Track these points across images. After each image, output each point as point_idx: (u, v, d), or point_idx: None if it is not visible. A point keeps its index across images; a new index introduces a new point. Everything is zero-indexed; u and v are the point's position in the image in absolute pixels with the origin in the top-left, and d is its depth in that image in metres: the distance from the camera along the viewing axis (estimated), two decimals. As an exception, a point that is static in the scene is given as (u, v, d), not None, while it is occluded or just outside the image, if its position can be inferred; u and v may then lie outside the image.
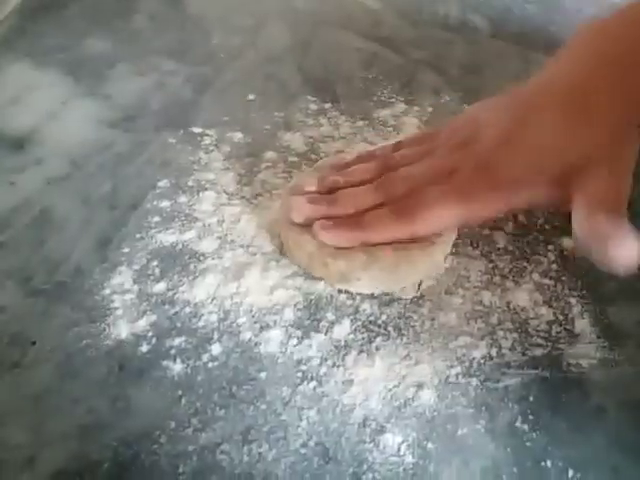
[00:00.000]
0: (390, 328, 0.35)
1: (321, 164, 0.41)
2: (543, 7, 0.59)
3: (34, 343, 0.33)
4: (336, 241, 0.36)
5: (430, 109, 0.48)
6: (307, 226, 0.36)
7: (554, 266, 0.38)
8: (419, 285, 0.37)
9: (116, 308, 0.35)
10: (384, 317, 0.35)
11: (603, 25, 0.35)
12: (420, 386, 0.32)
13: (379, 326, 0.35)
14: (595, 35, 0.35)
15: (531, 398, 0.32)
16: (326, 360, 0.33)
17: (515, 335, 0.34)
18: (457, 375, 0.33)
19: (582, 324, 0.35)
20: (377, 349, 0.34)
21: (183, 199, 0.41)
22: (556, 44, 0.55)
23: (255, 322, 0.35)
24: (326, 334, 0.34)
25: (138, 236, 0.39)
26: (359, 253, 0.35)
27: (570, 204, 0.33)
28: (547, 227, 0.40)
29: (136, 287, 0.36)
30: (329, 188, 0.38)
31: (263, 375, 0.33)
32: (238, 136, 0.46)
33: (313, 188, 0.38)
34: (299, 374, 0.33)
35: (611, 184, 0.32)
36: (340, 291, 0.36)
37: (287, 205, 0.37)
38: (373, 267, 0.35)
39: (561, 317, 0.35)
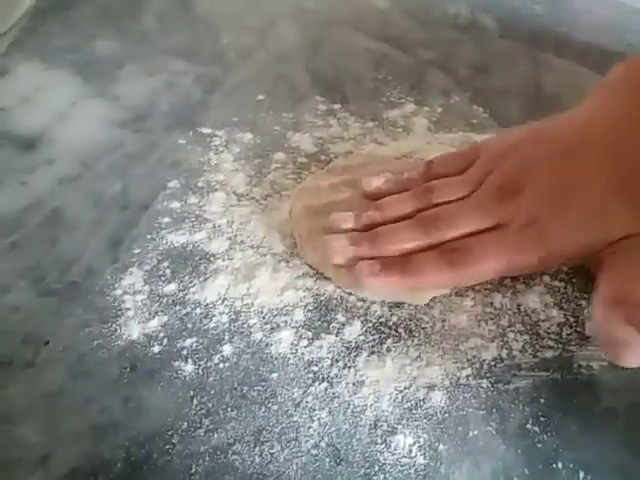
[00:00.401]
0: (401, 329, 0.35)
1: (332, 166, 0.41)
2: (552, 7, 0.59)
3: (47, 343, 0.34)
4: (384, 287, 0.35)
5: (440, 109, 0.48)
6: (319, 223, 0.37)
7: (564, 268, 0.38)
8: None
9: (127, 309, 0.35)
10: (395, 318, 0.35)
11: None
12: (431, 387, 0.32)
13: (390, 327, 0.35)
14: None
15: (542, 400, 0.32)
16: (337, 361, 0.33)
17: (526, 337, 0.35)
18: (468, 377, 0.33)
19: (593, 326, 0.35)
20: (388, 350, 0.34)
21: (193, 200, 0.41)
22: (565, 44, 0.55)
23: (266, 323, 0.35)
24: (337, 335, 0.35)
25: (149, 237, 0.39)
26: None
27: (595, 275, 0.32)
28: (557, 229, 0.40)
29: (147, 288, 0.36)
30: (366, 225, 0.36)
31: (274, 376, 0.33)
32: (248, 137, 0.46)
33: (349, 225, 0.37)
34: (310, 375, 0.33)
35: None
36: (350, 292, 0.36)
37: (325, 245, 0.36)
38: None
39: (572, 319, 0.35)
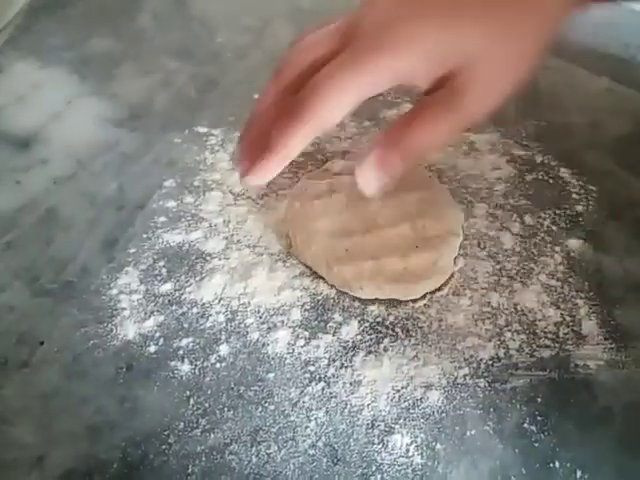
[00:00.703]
0: (398, 329, 0.35)
1: (329, 166, 0.41)
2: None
3: (42, 343, 0.33)
4: (265, 172, 0.33)
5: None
6: (315, 222, 0.37)
7: (561, 267, 0.38)
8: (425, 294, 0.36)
9: (123, 308, 0.35)
10: (392, 318, 0.35)
11: None
12: (428, 387, 0.32)
13: (387, 327, 0.35)
14: None
15: (539, 399, 0.32)
16: (334, 361, 0.33)
17: (523, 336, 0.35)
18: (465, 376, 0.33)
19: (589, 326, 0.35)
20: (385, 350, 0.34)
21: (189, 199, 0.41)
22: (561, 45, 0.55)
23: (262, 323, 0.35)
24: (334, 335, 0.34)
25: (144, 236, 0.39)
26: (366, 261, 0.35)
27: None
28: (554, 228, 0.40)
29: (143, 287, 0.36)
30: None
31: (271, 376, 0.33)
32: (244, 136, 0.46)
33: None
34: (307, 375, 0.33)
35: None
36: (345, 292, 0.36)
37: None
38: (378, 278, 0.35)
39: (568, 318, 0.35)
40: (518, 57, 0.32)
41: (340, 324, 0.35)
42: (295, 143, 0.32)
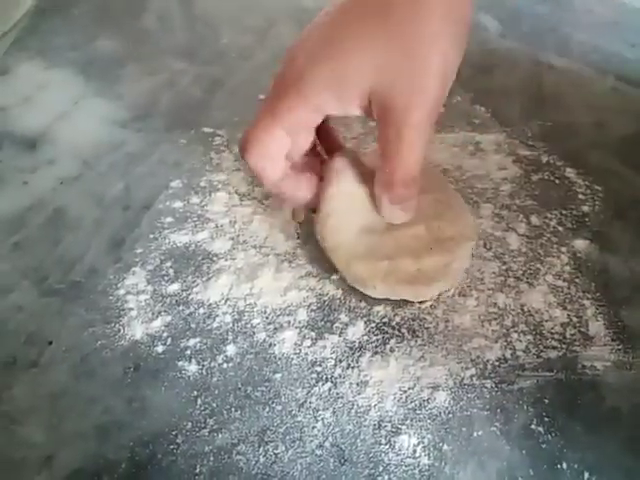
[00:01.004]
0: (404, 330, 0.35)
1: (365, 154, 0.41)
2: (553, 8, 0.59)
3: (50, 343, 0.34)
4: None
5: (441, 109, 0.48)
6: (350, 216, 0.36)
7: (567, 268, 0.38)
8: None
9: (130, 309, 0.35)
10: (398, 319, 0.35)
11: None
12: (435, 388, 0.32)
13: (393, 328, 0.35)
14: None
15: (546, 400, 0.32)
16: (341, 361, 0.33)
17: (529, 337, 0.35)
18: (472, 377, 0.33)
19: (596, 326, 0.35)
20: (391, 351, 0.34)
21: (195, 200, 0.41)
22: (566, 44, 0.55)
23: (269, 323, 0.35)
24: (340, 335, 0.35)
25: (151, 236, 0.39)
26: (382, 260, 0.35)
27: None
28: (560, 229, 0.40)
29: (150, 288, 0.36)
30: None
31: (278, 376, 0.33)
32: (249, 136, 0.46)
33: None
34: (314, 375, 0.33)
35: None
36: (352, 291, 0.36)
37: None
38: (390, 278, 0.35)
39: (575, 319, 0.35)
40: (430, 57, 0.31)
41: (346, 325, 0.35)
42: (258, 168, 0.35)
